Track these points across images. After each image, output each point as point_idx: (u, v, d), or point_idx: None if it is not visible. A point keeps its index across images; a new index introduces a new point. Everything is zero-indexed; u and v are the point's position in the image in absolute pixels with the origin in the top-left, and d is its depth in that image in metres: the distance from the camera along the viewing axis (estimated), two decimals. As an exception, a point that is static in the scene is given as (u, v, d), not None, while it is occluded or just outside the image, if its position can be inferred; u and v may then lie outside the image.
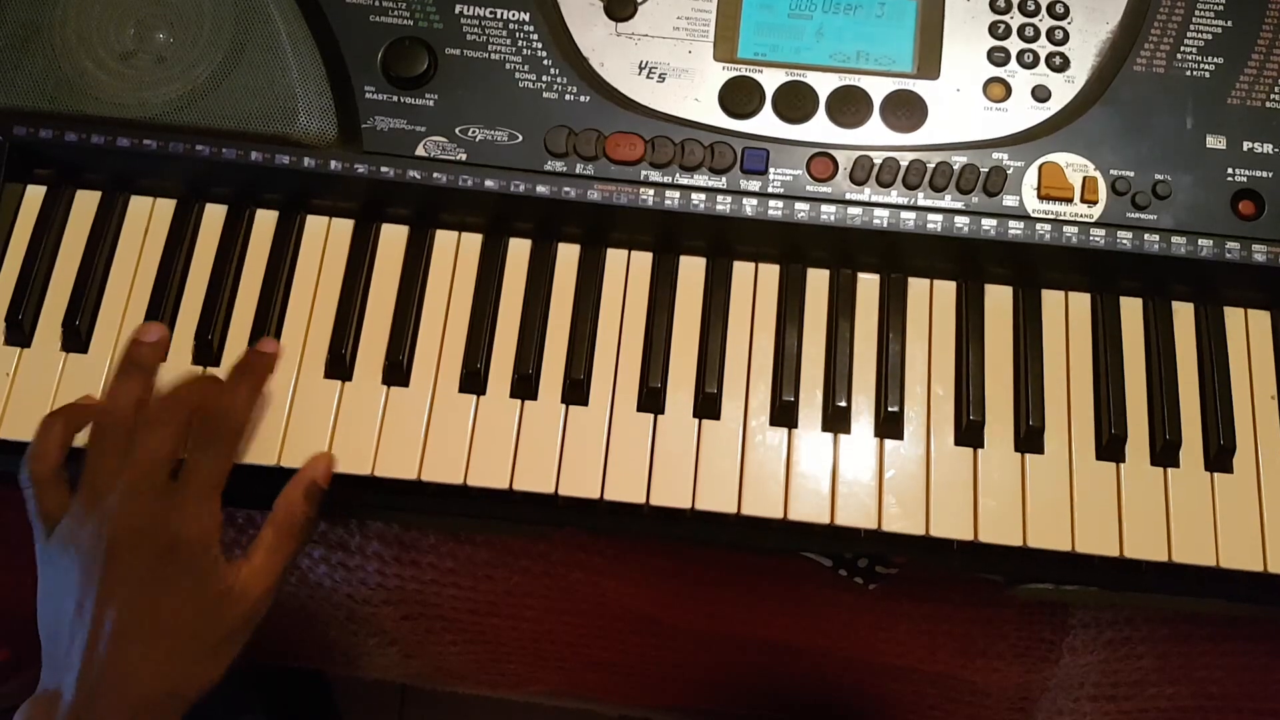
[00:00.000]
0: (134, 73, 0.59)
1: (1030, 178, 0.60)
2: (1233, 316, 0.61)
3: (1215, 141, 0.60)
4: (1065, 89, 0.61)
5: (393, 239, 0.61)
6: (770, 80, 0.61)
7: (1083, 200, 0.59)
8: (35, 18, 0.59)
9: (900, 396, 0.58)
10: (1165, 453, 0.58)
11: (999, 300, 0.61)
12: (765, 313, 0.60)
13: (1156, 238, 0.59)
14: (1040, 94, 0.61)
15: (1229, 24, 0.61)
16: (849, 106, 0.60)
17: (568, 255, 0.61)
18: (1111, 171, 0.60)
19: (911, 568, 0.69)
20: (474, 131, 0.60)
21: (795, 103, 0.60)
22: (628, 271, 0.61)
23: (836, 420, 0.58)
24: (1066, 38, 0.61)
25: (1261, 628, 0.70)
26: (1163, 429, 0.58)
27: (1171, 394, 0.58)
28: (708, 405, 0.58)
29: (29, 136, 0.59)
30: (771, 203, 0.59)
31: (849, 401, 0.58)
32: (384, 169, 0.59)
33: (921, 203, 0.59)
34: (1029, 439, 0.58)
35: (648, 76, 0.61)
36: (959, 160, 0.60)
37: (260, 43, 0.59)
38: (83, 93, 0.59)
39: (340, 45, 0.60)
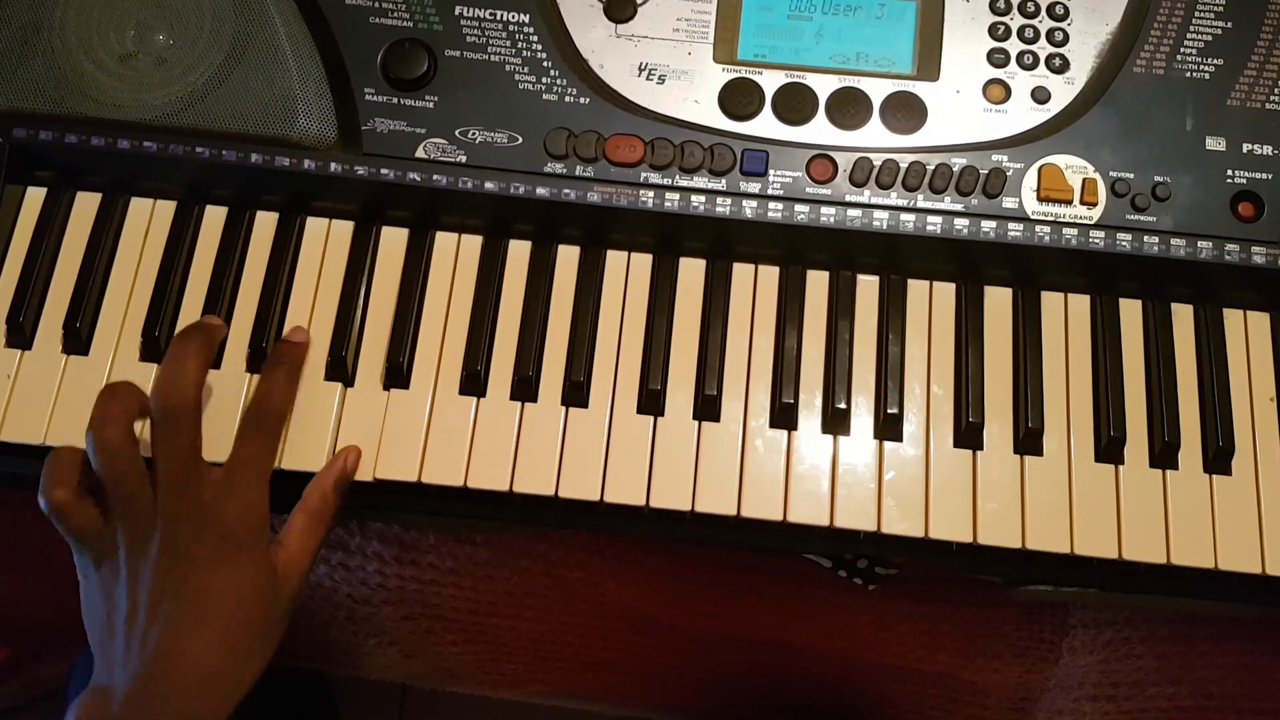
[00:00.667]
0: (134, 74, 0.59)
1: (1030, 179, 0.60)
2: (1232, 319, 0.61)
3: (1215, 143, 0.60)
4: (1065, 90, 0.61)
5: (393, 241, 0.61)
6: (770, 82, 0.61)
7: (1082, 202, 0.59)
8: (35, 19, 0.59)
9: (900, 398, 0.58)
10: (1164, 455, 0.58)
11: (998, 302, 0.61)
12: (765, 314, 0.60)
13: (1156, 239, 0.59)
14: (1040, 95, 0.61)
15: (1229, 25, 0.61)
16: (849, 108, 0.60)
17: (567, 257, 0.61)
18: (1111, 173, 0.59)
19: (911, 568, 0.69)
20: (474, 133, 0.60)
21: (795, 104, 0.60)
22: (627, 273, 0.61)
23: (836, 422, 0.58)
24: (1066, 39, 0.61)
25: (1261, 628, 0.70)
26: (1162, 431, 0.58)
27: (1170, 396, 0.59)
28: (707, 407, 0.58)
29: (29, 138, 0.59)
30: (771, 204, 0.59)
31: (848, 403, 0.58)
32: (384, 171, 0.59)
33: (921, 204, 0.59)
34: (1028, 441, 0.58)
35: (647, 78, 0.61)
36: (958, 162, 0.60)
37: (260, 44, 0.59)
38: (83, 94, 0.59)
39: (340, 47, 0.60)
